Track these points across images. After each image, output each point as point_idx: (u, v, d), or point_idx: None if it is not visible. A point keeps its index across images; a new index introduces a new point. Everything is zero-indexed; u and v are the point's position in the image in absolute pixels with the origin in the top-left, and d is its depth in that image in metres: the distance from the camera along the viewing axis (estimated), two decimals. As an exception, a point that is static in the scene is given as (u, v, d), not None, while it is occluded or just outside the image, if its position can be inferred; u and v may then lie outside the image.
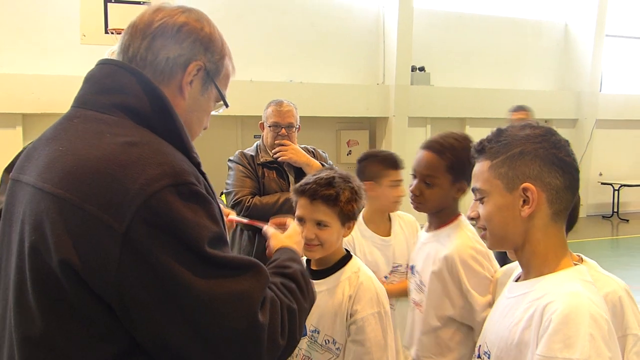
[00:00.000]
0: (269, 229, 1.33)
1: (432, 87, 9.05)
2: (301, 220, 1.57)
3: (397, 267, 2.31)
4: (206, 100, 1.13)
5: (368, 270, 1.66)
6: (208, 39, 1.10)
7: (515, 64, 10.07)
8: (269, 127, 2.83)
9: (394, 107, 8.80)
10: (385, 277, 2.23)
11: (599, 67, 10.39)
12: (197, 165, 1.03)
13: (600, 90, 10.56)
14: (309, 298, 1.10)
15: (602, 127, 10.51)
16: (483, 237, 1.19)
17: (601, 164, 10.67)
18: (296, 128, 2.88)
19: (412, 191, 1.79)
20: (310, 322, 1.59)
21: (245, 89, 7.64)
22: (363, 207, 1.69)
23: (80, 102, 1.04)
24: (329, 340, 1.58)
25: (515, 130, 1.14)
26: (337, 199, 1.55)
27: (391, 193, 2.22)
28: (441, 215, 1.79)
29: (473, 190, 1.18)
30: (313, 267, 1.65)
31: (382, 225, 2.33)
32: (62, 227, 0.88)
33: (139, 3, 6.65)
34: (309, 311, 1.11)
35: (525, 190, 1.10)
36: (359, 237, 2.23)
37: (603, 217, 10.58)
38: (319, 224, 1.56)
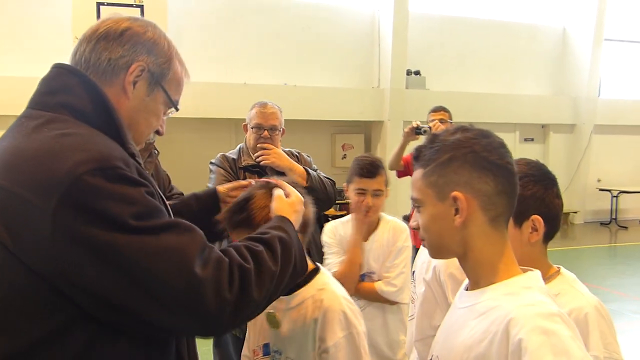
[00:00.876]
0: (277, 189, 1.37)
1: (428, 91, 8.99)
2: None
3: (369, 273, 2.27)
4: (153, 102, 1.19)
5: (335, 286, 1.53)
6: (151, 42, 1.16)
7: (511, 68, 10.03)
8: (252, 128, 2.76)
9: (389, 111, 8.75)
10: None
11: (597, 71, 10.33)
12: (132, 155, 1.08)
13: (598, 95, 10.50)
14: (282, 261, 1.13)
15: (600, 132, 10.45)
16: (425, 247, 1.15)
17: (599, 170, 10.61)
18: (280, 131, 2.80)
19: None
20: (275, 343, 1.52)
21: (239, 92, 7.59)
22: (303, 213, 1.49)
23: (31, 103, 1.12)
24: None
25: (447, 135, 1.09)
26: (251, 220, 1.40)
27: (354, 199, 2.25)
28: None
29: (411, 199, 1.14)
30: None
31: (367, 230, 2.32)
32: None
33: (131, 6, 6.64)
34: (283, 273, 1.13)
35: (454, 199, 1.05)
36: (345, 236, 2.26)
37: (601, 224, 10.50)
38: None
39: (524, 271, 1.08)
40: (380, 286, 2.23)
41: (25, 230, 0.94)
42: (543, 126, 10.45)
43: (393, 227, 2.35)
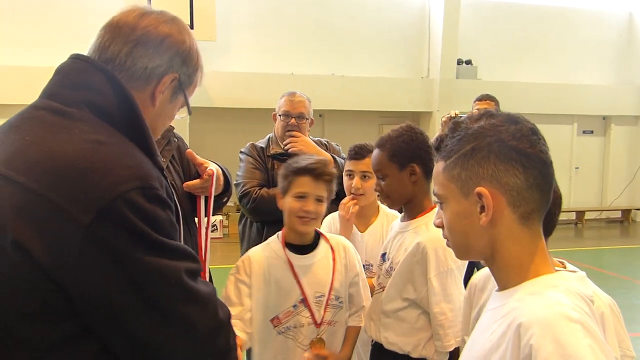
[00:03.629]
0: None
1: (479, 80, 8.70)
2: (303, 196, 1.78)
3: (367, 266, 2.19)
4: (173, 107, 1.20)
5: (339, 236, 2.01)
6: (187, 52, 1.15)
7: (571, 56, 9.56)
8: (280, 116, 2.77)
9: (439, 102, 8.57)
10: None
11: (667, 59, 9.70)
12: (161, 169, 1.07)
13: (668, 85, 9.87)
14: None
15: (668, 124, 9.83)
16: (449, 247, 1.05)
17: (666, 164, 9.98)
18: (307, 119, 2.79)
19: (375, 190, 1.91)
20: (314, 290, 1.82)
21: (286, 83, 7.59)
22: None
23: (48, 93, 1.06)
24: (332, 298, 1.85)
25: (471, 122, 0.98)
26: (333, 178, 1.83)
27: (345, 183, 2.27)
28: (413, 206, 1.83)
29: (433, 194, 1.05)
30: (297, 243, 1.86)
31: (365, 220, 2.29)
32: (23, 213, 0.92)
33: (182, -5, 6.78)
34: None
35: (479, 195, 0.95)
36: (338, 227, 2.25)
37: (667, 221, 9.89)
38: (319, 200, 1.78)
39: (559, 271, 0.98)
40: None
41: (54, 238, 0.91)
42: (604, 118, 9.92)
43: (390, 218, 2.27)
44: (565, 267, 1.28)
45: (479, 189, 0.94)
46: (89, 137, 0.98)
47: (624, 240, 9.03)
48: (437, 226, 1.05)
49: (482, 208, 0.94)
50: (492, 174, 0.93)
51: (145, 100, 1.11)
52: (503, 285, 0.99)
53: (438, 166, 1.01)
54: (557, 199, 1.29)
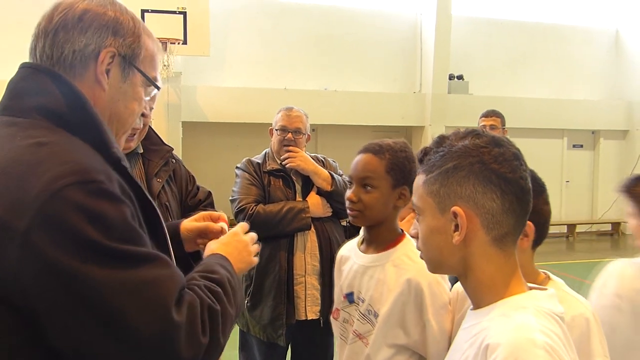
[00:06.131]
0: (234, 229, 1.29)
1: (471, 95, 8.80)
2: None
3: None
4: (131, 86, 1.07)
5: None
6: (114, 22, 1.03)
7: (560, 72, 9.69)
8: (276, 130, 2.77)
9: (431, 116, 8.63)
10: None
11: (653, 74, 9.85)
12: (117, 160, 0.98)
13: (655, 100, 10.01)
14: (235, 304, 1.06)
15: (656, 138, 9.95)
16: (422, 259, 1.06)
17: (655, 177, 10.08)
18: (304, 135, 2.80)
19: (349, 198, 1.58)
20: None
21: (279, 97, 7.64)
22: None
23: (0, 108, 1.02)
24: None
25: (456, 139, 0.98)
26: None
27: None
28: (382, 232, 1.59)
29: (412, 204, 1.06)
30: None
31: None
32: None
33: (174, 12, 6.82)
34: (235, 318, 1.07)
35: (454, 214, 0.95)
36: None
37: (656, 235, 9.97)
38: None
39: (531, 289, 0.99)
40: None
41: None
42: (593, 132, 10.04)
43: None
44: (549, 278, 1.30)
45: (455, 208, 0.94)
46: (29, 141, 0.91)
47: (615, 253, 9.08)
48: (413, 236, 1.06)
49: (457, 227, 0.95)
50: (470, 194, 0.94)
51: (92, 87, 1.02)
52: (476, 304, 1.00)
53: (419, 178, 1.02)
54: (549, 211, 1.30)
